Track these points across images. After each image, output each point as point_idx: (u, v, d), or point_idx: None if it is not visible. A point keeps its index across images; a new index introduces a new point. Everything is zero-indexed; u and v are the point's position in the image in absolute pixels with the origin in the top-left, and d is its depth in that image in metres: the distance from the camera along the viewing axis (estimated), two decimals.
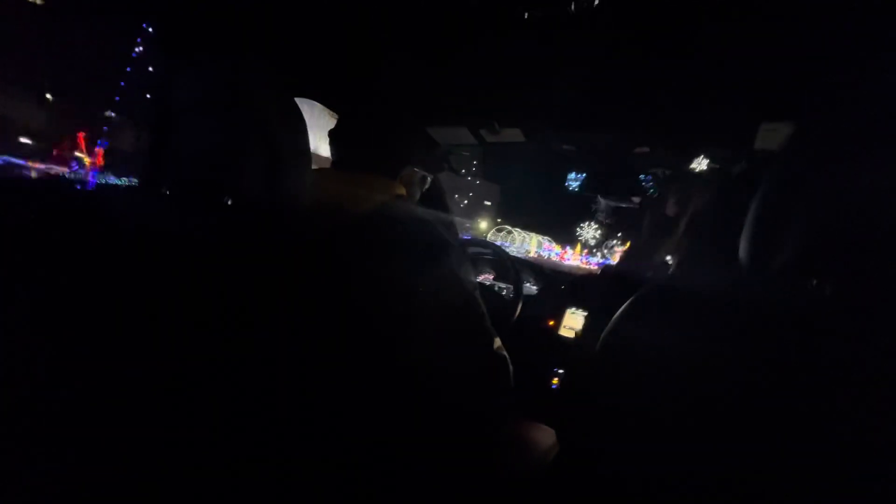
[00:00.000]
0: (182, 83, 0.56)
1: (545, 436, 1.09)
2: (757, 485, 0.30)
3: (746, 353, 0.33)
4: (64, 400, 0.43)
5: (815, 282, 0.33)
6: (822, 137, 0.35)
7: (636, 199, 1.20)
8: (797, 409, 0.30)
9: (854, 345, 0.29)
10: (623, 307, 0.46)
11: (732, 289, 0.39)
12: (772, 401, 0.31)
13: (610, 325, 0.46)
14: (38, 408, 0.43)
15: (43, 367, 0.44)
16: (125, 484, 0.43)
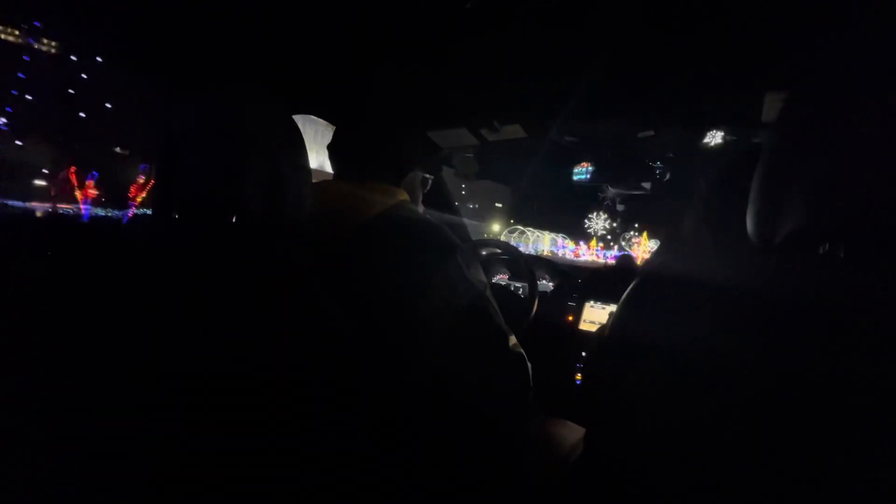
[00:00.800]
0: (184, 112, 0.59)
1: (571, 432, 1.09)
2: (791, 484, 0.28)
3: (763, 332, 0.32)
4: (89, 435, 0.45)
5: (826, 246, 0.32)
6: (819, 97, 0.35)
7: (647, 186, 1.19)
8: (817, 390, 0.28)
9: (876, 305, 0.28)
10: (626, 294, 0.45)
11: (742, 266, 0.38)
12: (791, 383, 0.29)
13: (615, 313, 0.46)
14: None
15: (67, 385, 0.47)
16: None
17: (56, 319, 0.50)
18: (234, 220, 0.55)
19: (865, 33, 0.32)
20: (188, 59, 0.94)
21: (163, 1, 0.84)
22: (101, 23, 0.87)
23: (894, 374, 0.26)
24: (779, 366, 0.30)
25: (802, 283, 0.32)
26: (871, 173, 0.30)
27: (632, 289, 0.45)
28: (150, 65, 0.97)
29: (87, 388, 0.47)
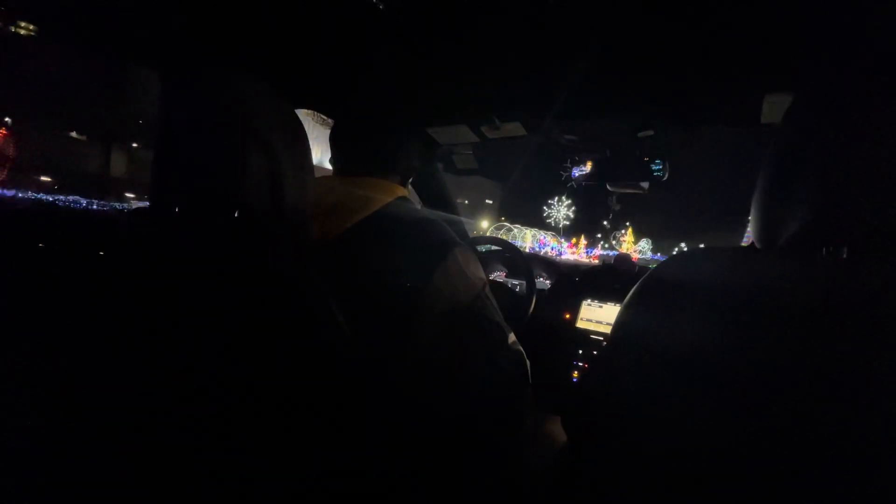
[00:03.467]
0: (182, 103, 0.59)
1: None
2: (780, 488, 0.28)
3: (763, 336, 0.32)
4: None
5: (830, 249, 0.34)
6: (822, 102, 0.37)
7: (645, 185, 1.24)
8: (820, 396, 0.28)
9: (881, 306, 0.29)
10: (629, 295, 0.46)
11: (745, 269, 0.38)
12: (792, 387, 0.30)
13: (618, 314, 0.47)
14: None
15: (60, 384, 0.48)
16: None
17: (44, 315, 0.50)
18: (235, 215, 0.56)
19: (869, 37, 0.35)
20: (186, 49, 0.94)
21: None
22: (97, 9, 0.87)
23: None
24: (784, 368, 0.30)
25: (812, 286, 0.33)
26: (873, 177, 0.32)
27: (637, 289, 0.46)
28: (147, 53, 0.97)
29: (75, 385, 0.47)
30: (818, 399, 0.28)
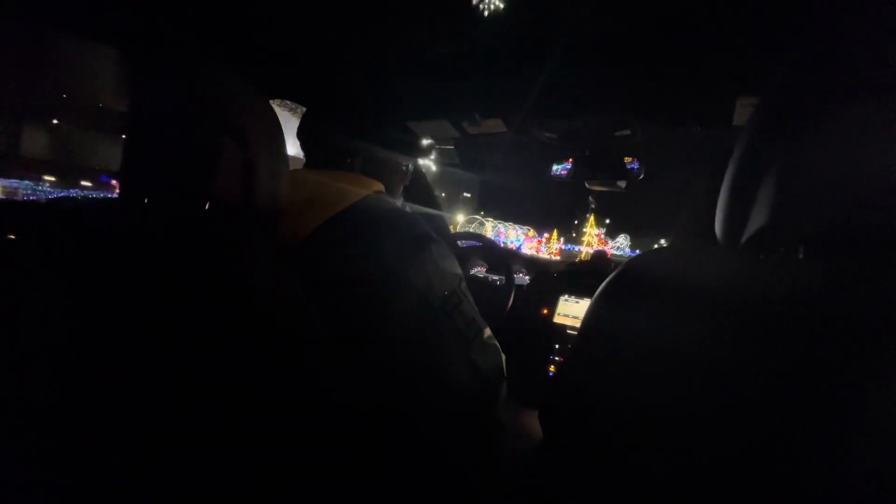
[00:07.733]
0: (153, 92, 0.59)
1: None
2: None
3: (726, 329, 0.34)
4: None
5: (786, 249, 0.37)
6: (780, 106, 0.39)
7: (622, 184, 1.32)
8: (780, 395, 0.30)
9: (838, 304, 0.31)
10: (598, 291, 0.48)
11: (708, 266, 0.41)
12: (755, 377, 0.31)
13: (587, 310, 0.49)
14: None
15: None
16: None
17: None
18: (206, 207, 0.57)
19: (834, 44, 0.36)
20: (158, 37, 0.94)
21: None
22: None
23: (848, 370, 0.28)
24: (747, 360, 0.32)
25: (772, 284, 0.35)
26: (825, 181, 0.35)
27: (605, 286, 0.49)
28: (116, 38, 0.96)
29: (31, 389, 0.46)
30: (780, 389, 0.30)
